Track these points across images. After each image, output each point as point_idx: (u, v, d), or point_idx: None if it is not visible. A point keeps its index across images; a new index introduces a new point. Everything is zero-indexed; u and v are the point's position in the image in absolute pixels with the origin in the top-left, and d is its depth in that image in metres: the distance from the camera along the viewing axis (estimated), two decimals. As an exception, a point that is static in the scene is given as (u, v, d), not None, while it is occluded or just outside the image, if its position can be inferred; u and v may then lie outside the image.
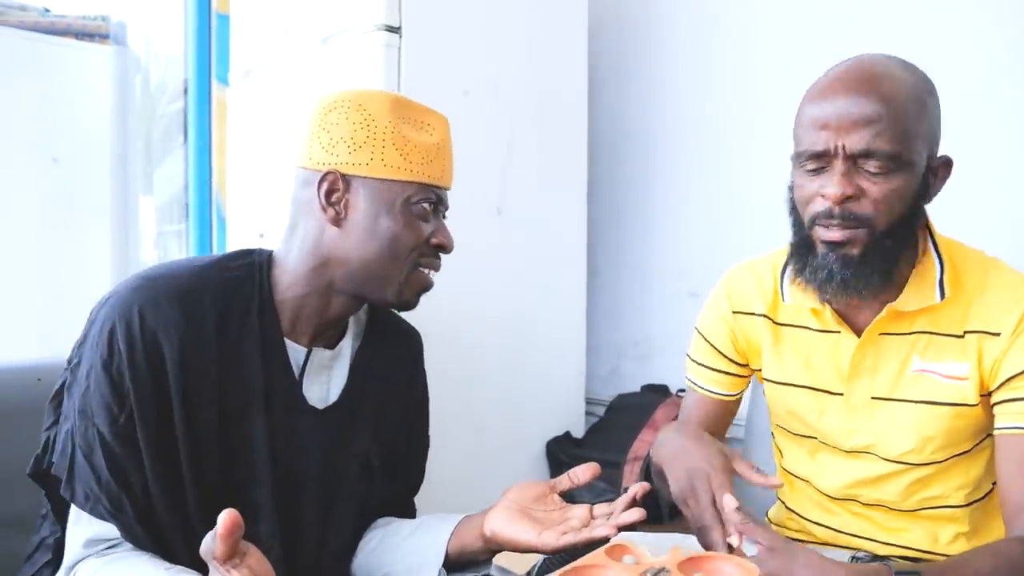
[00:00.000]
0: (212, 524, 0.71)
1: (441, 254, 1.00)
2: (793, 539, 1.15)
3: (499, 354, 2.00)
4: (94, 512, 0.85)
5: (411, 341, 1.13)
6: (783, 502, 1.19)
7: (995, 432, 0.97)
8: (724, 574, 0.77)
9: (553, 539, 0.90)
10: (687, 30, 2.23)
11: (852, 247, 0.93)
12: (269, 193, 2.11)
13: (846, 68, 0.94)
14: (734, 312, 1.13)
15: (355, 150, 0.92)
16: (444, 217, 1.01)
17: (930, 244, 1.00)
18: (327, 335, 1.00)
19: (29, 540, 0.95)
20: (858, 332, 1.02)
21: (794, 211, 0.99)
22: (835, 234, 0.92)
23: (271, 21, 2.12)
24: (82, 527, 0.87)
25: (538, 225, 2.07)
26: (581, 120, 2.18)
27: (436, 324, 1.84)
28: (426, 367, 1.17)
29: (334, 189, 0.93)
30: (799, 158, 0.95)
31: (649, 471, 1.90)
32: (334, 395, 1.01)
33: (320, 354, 0.99)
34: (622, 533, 0.89)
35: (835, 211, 0.91)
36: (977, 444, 1.02)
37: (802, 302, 1.04)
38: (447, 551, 0.98)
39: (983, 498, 1.05)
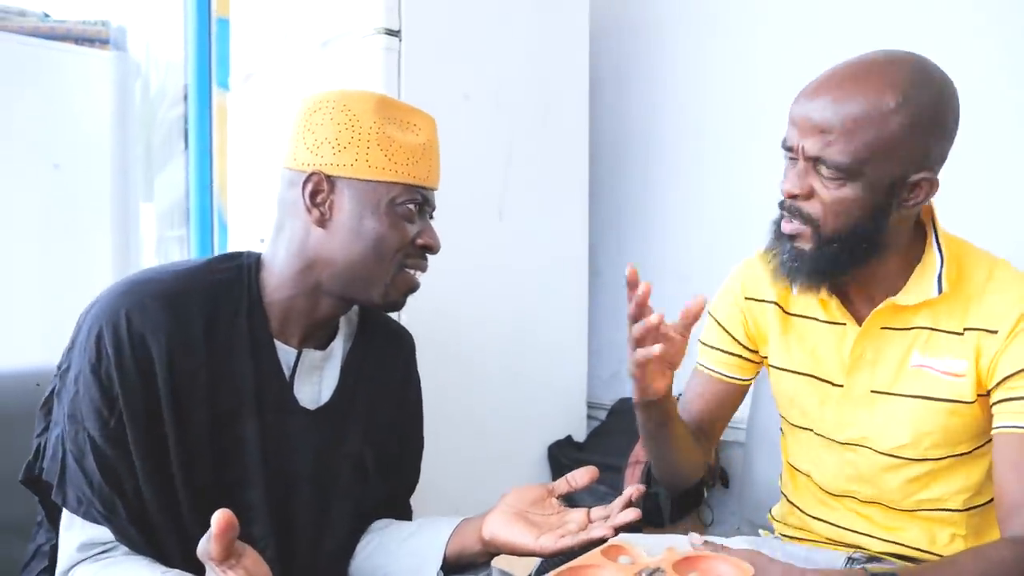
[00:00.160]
0: (206, 526, 0.71)
1: (428, 255, 1.00)
2: (793, 536, 1.17)
3: (501, 358, 1.99)
4: (87, 516, 0.85)
5: (403, 342, 1.13)
6: (786, 496, 1.20)
7: (992, 432, 0.97)
8: (719, 573, 0.77)
9: (551, 542, 0.91)
10: (687, 33, 2.23)
11: (802, 241, 0.96)
12: (270, 198, 2.11)
13: (841, 67, 0.94)
14: (746, 298, 1.14)
15: (340, 151, 0.92)
16: (431, 217, 1.01)
17: (933, 241, 1.00)
18: (317, 336, 1.00)
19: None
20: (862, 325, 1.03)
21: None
22: (786, 226, 0.97)
23: (271, 25, 2.12)
24: (75, 531, 0.87)
25: (539, 228, 2.07)
26: (582, 123, 2.18)
27: (438, 328, 1.85)
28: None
29: (319, 190, 0.93)
30: (781, 146, 0.98)
31: (651, 474, 1.90)
32: (325, 396, 1.01)
33: (311, 355, 0.99)
34: (623, 534, 0.89)
35: (786, 204, 0.96)
36: (977, 447, 1.02)
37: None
38: (445, 553, 0.98)
39: (982, 505, 1.05)
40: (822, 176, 0.92)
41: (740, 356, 1.16)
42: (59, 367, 0.91)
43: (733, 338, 1.16)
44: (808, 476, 1.13)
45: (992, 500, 1.03)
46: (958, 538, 1.04)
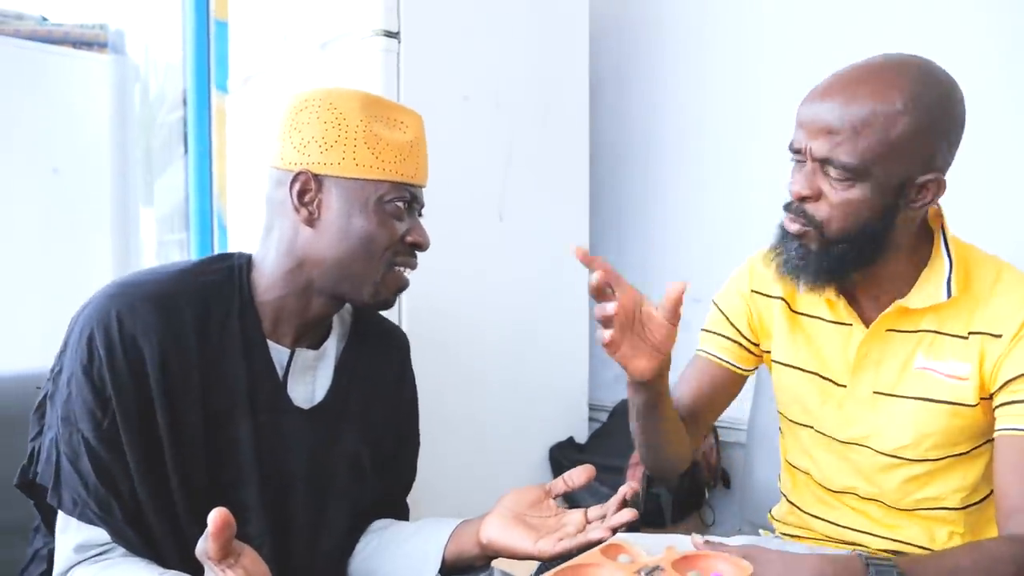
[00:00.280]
0: (201, 526, 0.71)
1: (418, 252, 1.00)
2: (793, 535, 1.18)
3: (501, 359, 1.99)
4: (82, 517, 0.85)
5: (397, 341, 1.13)
6: (786, 496, 1.20)
7: (995, 434, 0.98)
8: (718, 572, 0.77)
9: (549, 546, 0.91)
10: (688, 34, 2.23)
11: (808, 241, 0.97)
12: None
13: (848, 69, 0.95)
14: (753, 291, 1.15)
15: (326, 150, 0.92)
16: (420, 215, 1.01)
17: (942, 245, 1.01)
18: (310, 335, 1.00)
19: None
20: (869, 326, 1.04)
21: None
22: (792, 226, 0.98)
23: (270, 27, 2.12)
24: (71, 533, 0.87)
25: (540, 229, 2.06)
26: (582, 124, 2.17)
27: (439, 329, 1.84)
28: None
29: (306, 189, 0.93)
30: (789, 148, 0.99)
31: (651, 476, 1.89)
32: (319, 395, 1.01)
33: (304, 354, 0.99)
34: (622, 534, 0.89)
35: (793, 206, 0.97)
36: (975, 448, 1.03)
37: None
38: (444, 556, 0.98)
39: (979, 502, 1.06)
40: (830, 177, 0.93)
41: (740, 344, 1.17)
42: (52, 370, 0.91)
43: (735, 327, 1.17)
44: (808, 474, 1.14)
45: (988, 496, 1.06)
46: (956, 536, 1.05)
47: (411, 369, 1.15)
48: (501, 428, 1.99)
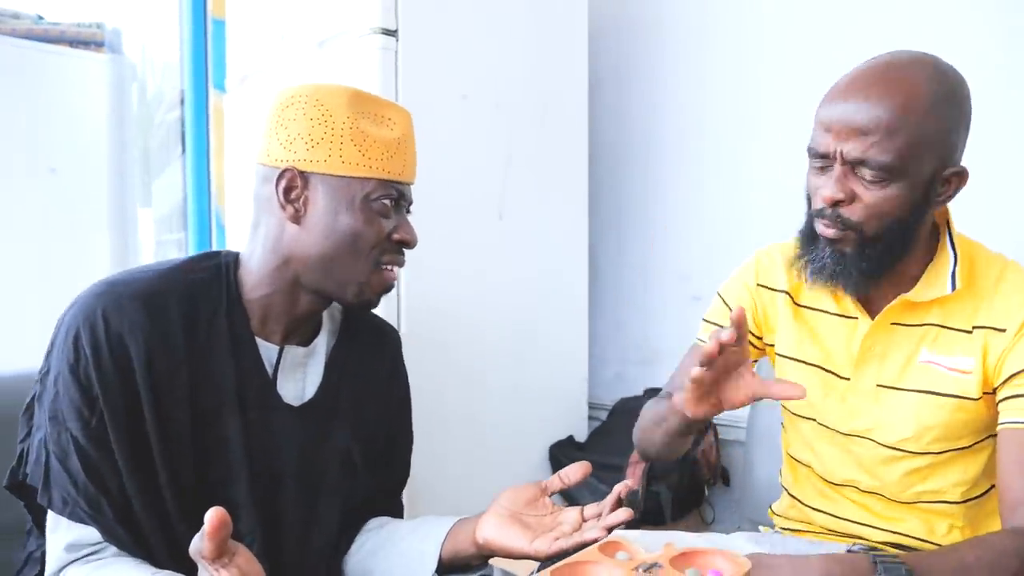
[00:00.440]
0: (191, 523, 0.71)
1: (405, 250, 0.99)
2: (794, 530, 1.18)
3: (501, 358, 1.99)
4: (73, 516, 0.85)
5: (388, 338, 1.13)
6: (787, 490, 1.21)
7: (998, 428, 0.98)
8: (716, 568, 0.77)
9: (545, 546, 0.91)
10: (687, 33, 2.23)
11: (844, 245, 0.97)
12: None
13: (865, 69, 0.95)
14: (758, 284, 1.16)
15: (313, 147, 0.92)
16: (408, 211, 1.00)
17: (947, 240, 1.02)
18: (300, 332, 1.00)
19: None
20: (874, 319, 1.04)
21: (808, 199, 1.02)
22: (828, 232, 0.97)
23: (267, 26, 2.11)
24: (61, 533, 0.87)
25: (539, 228, 2.06)
26: (581, 123, 2.17)
27: (439, 328, 1.84)
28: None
29: (292, 186, 0.93)
30: (808, 153, 0.98)
31: (652, 474, 1.89)
32: (310, 392, 1.01)
33: (293, 351, 0.99)
34: (623, 532, 0.88)
35: (827, 211, 0.96)
36: (977, 442, 1.03)
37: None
38: (440, 556, 0.98)
39: (979, 496, 1.06)
40: (863, 179, 0.93)
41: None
42: (40, 371, 0.90)
43: None
44: (809, 467, 1.14)
45: (988, 491, 1.06)
46: (955, 529, 1.06)
47: (403, 366, 1.14)
48: (501, 427, 1.99)
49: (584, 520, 0.94)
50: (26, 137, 2.75)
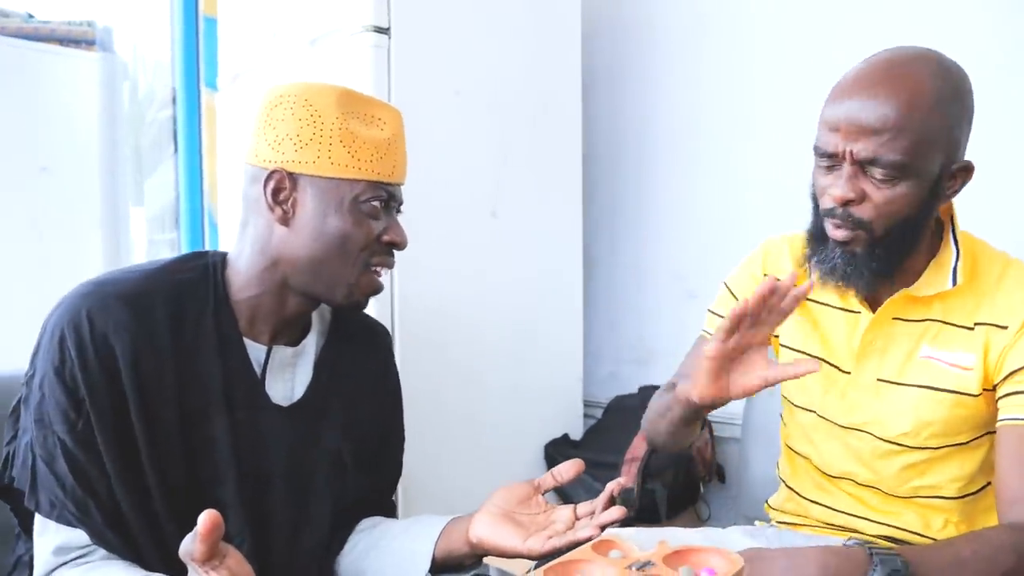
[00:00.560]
0: (180, 524, 0.71)
1: (395, 251, 0.98)
2: (790, 523, 1.18)
3: (495, 357, 1.98)
4: (61, 519, 0.84)
5: (378, 338, 1.12)
6: (784, 482, 1.21)
7: (997, 424, 0.98)
8: (710, 566, 0.77)
9: (538, 545, 0.90)
10: (681, 31, 2.22)
11: (855, 245, 0.97)
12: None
13: (869, 66, 0.95)
14: (765, 274, 1.16)
15: (301, 148, 0.90)
16: (399, 212, 0.99)
17: (951, 236, 1.02)
18: (288, 333, 1.00)
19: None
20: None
21: (814, 199, 1.02)
22: (838, 233, 0.97)
23: (259, 24, 2.10)
24: (49, 536, 0.86)
25: (534, 227, 2.06)
26: (575, 122, 2.16)
27: (433, 327, 1.84)
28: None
29: (281, 188, 0.92)
30: (815, 152, 0.98)
31: (647, 472, 1.89)
32: (299, 392, 1.00)
33: (282, 352, 0.98)
34: (617, 530, 0.88)
35: (837, 211, 0.96)
36: (975, 438, 1.04)
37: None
38: (434, 555, 0.98)
39: (976, 492, 1.07)
40: (873, 178, 0.93)
41: None
42: (26, 374, 0.89)
43: None
44: (807, 459, 1.15)
45: (985, 487, 1.06)
46: (951, 524, 1.06)
47: (394, 365, 1.14)
48: (496, 425, 1.99)
49: (577, 518, 0.93)
50: (17, 136, 2.73)
